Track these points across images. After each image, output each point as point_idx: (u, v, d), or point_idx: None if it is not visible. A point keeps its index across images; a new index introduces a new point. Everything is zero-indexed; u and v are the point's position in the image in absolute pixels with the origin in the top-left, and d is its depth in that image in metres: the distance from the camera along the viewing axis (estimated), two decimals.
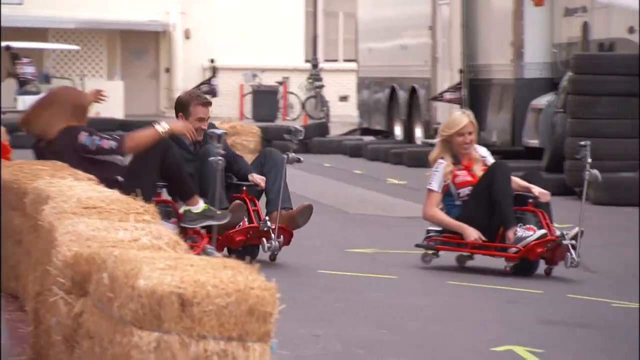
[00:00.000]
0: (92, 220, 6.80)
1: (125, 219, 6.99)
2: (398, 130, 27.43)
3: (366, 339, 9.22)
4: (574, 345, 9.38)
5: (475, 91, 23.72)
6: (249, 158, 21.93)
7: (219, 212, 10.59)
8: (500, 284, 11.79)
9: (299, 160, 11.64)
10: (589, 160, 11.08)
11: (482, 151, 11.51)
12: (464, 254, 11.97)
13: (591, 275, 12.58)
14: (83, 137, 9.70)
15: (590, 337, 9.70)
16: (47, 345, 6.93)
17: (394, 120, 27.85)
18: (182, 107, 12.01)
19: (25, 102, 34.64)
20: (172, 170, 10.14)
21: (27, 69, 10.75)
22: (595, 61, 19.72)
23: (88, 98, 11.36)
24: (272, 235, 11.01)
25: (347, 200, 19.29)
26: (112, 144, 9.87)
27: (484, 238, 11.27)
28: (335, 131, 30.99)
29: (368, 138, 28.55)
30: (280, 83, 37.09)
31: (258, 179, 11.31)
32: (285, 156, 11.30)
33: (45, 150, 9.90)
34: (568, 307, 10.96)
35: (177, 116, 12.04)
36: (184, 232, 10.35)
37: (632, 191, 17.84)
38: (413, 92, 26.59)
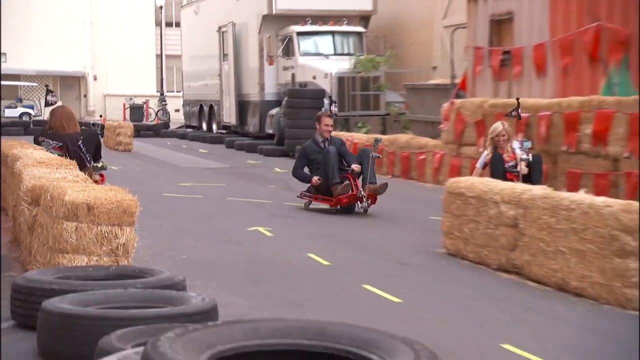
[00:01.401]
0: (42, 169, 6.74)
1: (60, 168, 6.88)
2: (204, 126, 27.02)
3: (184, 226, 9.20)
4: (291, 224, 9.46)
5: (242, 106, 23.55)
6: (128, 141, 21.65)
7: (105, 165, 10.30)
8: (254, 199, 11.62)
9: (379, 157, 10.59)
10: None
11: (516, 145, 9.66)
12: None
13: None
14: (80, 143, 9.44)
15: (296, 223, 9.63)
16: (19, 230, 6.84)
17: (201, 121, 27.40)
18: (318, 119, 10.90)
19: (6, 112, 33.54)
20: (97, 149, 9.85)
21: (52, 98, 10.35)
22: (298, 92, 19.76)
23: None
24: (364, 199, 10.00)
25: (178, 160, 18.95)
26: (88, 157, 9.61)
27: None
28: (173, 127, 30.38)
29: (189, 130, 27.95)
30: (144, 102, 36.13)
31: (355, 167, 10.17)
32: (372, 154, 10.16)
33: (54, 136, 9.57)
34: (283, 208, 10.70)
35: (315, 125, 10.90)
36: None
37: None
38: (211, 107, 26.25)
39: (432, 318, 5.56)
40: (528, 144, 9.56)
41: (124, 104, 36.57)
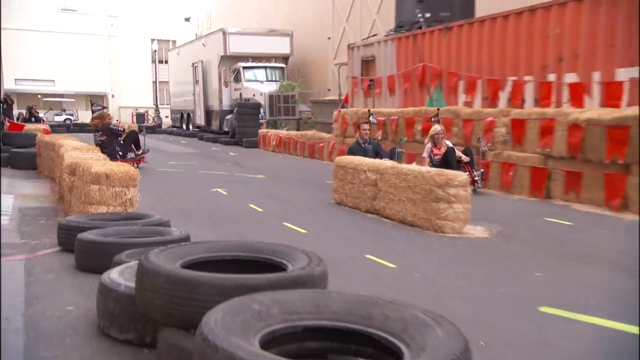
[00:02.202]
0: (77, 152, 6.52)
1: (88, 152, 6.63)
2: (184, 126, 26.38)
3: (170, 188, 8.87)
4: (239, 187, 9.14)
5: (208, 113, 23.12)
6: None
7: (145, 150, 9.78)
8: (215, 172, 11.31)
9: (402, 152, 9.01)
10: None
11: (448, 143, 8.68)
12: None
13: (245, 167, 12.45)
14: (118, 129, 8.91)
15: (242, 186, 9.54)
16: (64, 192, 6.55)
17: (182, 123, 26.76)
18: (358, 127, 9.39)
19: (55, 118, 32.33)
20: (136, 142, 9.39)
21: (97, 107, 9.56)
22: (244, 104, 19.34)
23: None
24: None
25: (167, 147, 18.46)
26: (120, 139, 9.14)
27: None
28: (164, 127, 29.39)
29: (174, 129, 27.10)
30: (145, 111, 34.73)
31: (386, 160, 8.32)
32: (397, 150, 8.74)
33: (98, 130, 9.06)
34: (234, 177, 10.58)
35: (355, 130, 9.03)
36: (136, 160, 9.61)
37: (254, 144, 17.74)
38: (188, 114, 25.65)
39: (324, 241, 5.65)
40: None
41: (132, 113, 35.39)
